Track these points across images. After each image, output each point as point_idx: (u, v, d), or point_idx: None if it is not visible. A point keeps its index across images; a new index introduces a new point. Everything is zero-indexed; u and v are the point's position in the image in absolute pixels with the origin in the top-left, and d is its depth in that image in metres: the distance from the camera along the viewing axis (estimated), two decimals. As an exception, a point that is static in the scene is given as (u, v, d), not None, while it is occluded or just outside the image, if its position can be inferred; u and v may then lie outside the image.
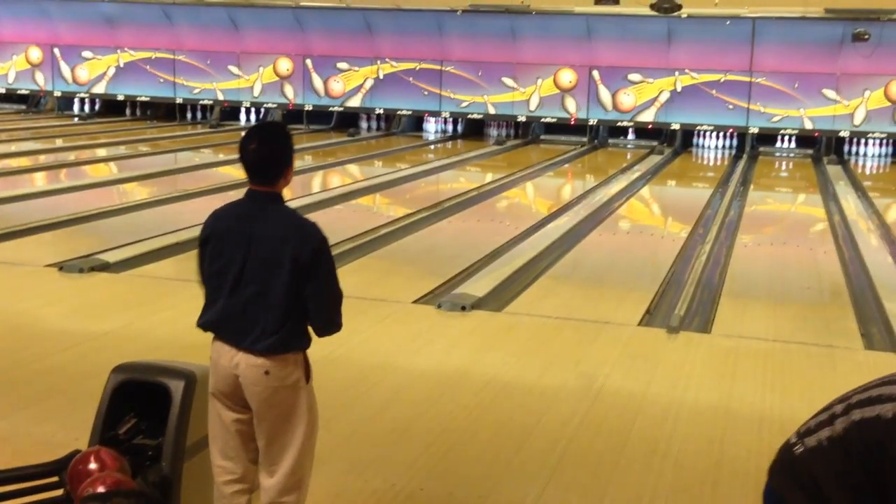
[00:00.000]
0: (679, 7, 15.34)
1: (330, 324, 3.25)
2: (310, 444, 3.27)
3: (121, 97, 21.97)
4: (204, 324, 3.30)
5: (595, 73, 18.90)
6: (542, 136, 20.03)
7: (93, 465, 2.98)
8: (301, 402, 3.21)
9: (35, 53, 22.29)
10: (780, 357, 6.21)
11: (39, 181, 13.31)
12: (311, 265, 3.13)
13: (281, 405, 3.19)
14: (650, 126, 19.00)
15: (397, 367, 5.80)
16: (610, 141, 19.65)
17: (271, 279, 3.14)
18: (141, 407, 3.49)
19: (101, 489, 2.76)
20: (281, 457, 3.23)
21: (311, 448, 3.30)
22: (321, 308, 3.20)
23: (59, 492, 3.13)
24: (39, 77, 22.38)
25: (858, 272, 8.79)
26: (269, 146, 3.22)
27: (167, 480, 3.35)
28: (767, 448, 4.74)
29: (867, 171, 17.35)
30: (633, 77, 18.73)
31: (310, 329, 3.25)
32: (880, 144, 18.20)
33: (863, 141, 18.23)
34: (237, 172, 15.02)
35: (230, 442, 3.30)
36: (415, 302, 7.27)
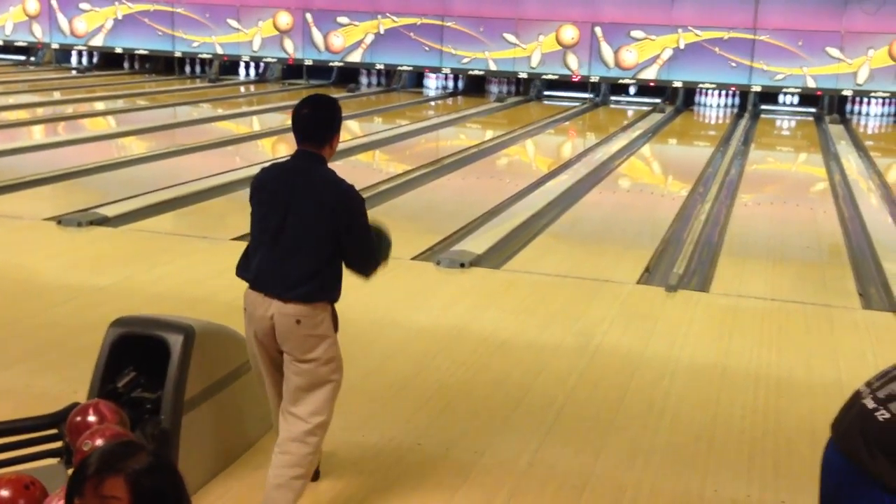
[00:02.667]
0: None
1: (367, 267, 3.48)
2: (332, 390, 3.47)
3: (119, 50, 21.77)
4: (243, 275, 3.48)
5: (598, 30, 18.72)
6: (545, 93, 19.90)
7: (91, 418, 3.00)
8: (327, 351, 3.41)
9: (32, 5, 22.05)
10: (778, 316, 6.22)
11: (37, 134, 13.24)
12: (348, 222, 3.35)
13: (307, 352, 3.38)
14: (652, 84, 18.87)
15: (395, 323, 5.81)
16: (611, 98, 19.53)
17: (310, 232, 3.34)
18: (140, 361, 3.51)
19: (99, 441, 2.77)
20: (304, 401, 3.42)
21: (333, 395, 3.49)
22: (358, 256, 3.43)
23: (58, 444, 3.15)
24: (37, 29, 22.17)
25: (858, 232, 8.79)
26: (320, 111, 3.48)
27: (166, 433, 3.38)
28: (763, 406, 4.78)
29: (869, 131, 17.26)
30: (636, 34, 18.56)
31: (338, 283, 3.43)
32: (883, 104, 18.08)
33: (865, 100, 18.11)
34: (236, 127, 14.99)
35: (275, 378, 3.52)
36: (413, 259, 7.27)
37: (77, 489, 1.93)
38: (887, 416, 2.19)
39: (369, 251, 3.45)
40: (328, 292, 3.41)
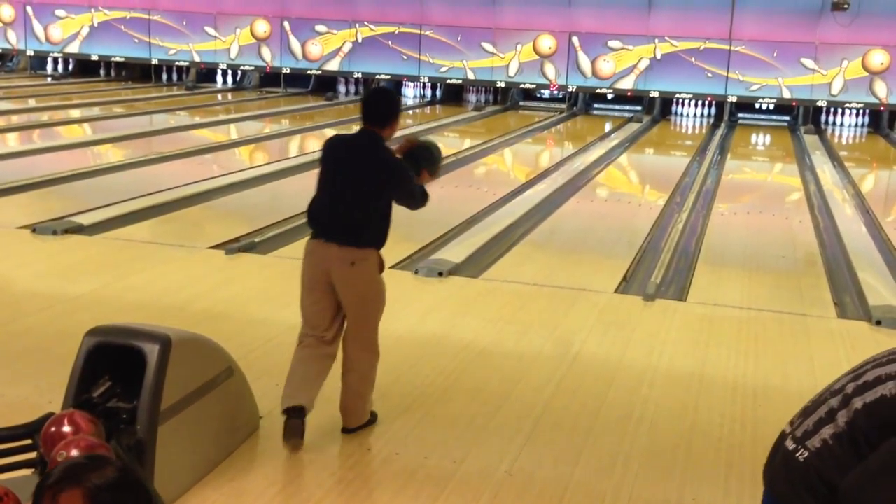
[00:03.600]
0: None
1: (415, 206, 4.46)
2: (378, 318, 4.34)
3: (95, 57, 21.65)
4: (310, 221, 4.31)
5: (575, 40, 18.82)
6: (521, 103, 19.97)
7: (66, 428, 2.96)
8: (375, 288, 4.29)
9: (7, 11, 21.90)
10: (754, 325, 6.25)
11: (12, 141, 13.12)
12: (397, 187, 4.29)
13: (360, 289, 4.22)
14: (629, 93, 18.97)
15: (374, 331, 5.79)
16: (594, 106, 19.61)
17: (365, 195, 4.20)
18: (115, 370, 3.47)
19: (74, 452, 2.74)
20: (359, 327, 4.27)
21: (376, 324, 4.33)
22: (407, 202, 4.42)
23: (33, 454, 3.11)
24: (11, 36, 22.00)
25: (833, 241, 8.86)
26: (384, 98, 4.51)
27: (141, 444, 3.35)
28: (740, 414, 4.80)
29: (844, 141, 17.44)
30: (613, 44, 18.67)
31: (386, 233, 4.31)
32: (857, 114, 18.28)
33: (840, 111, 18.31)
34: (213, 135, 14.93)
35: (315, 313, 4.24)
36: (392, 267, 7.20)
37: (37, 499, 1.90)
38: (806, 454, 2.17)
39: (414, 198, 4.40)
40: (377, 241, 4.26)
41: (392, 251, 7.63)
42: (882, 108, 17.84)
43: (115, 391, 3.44)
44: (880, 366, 2.16)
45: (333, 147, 4.42)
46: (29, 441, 3.13)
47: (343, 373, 4.32)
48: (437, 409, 4.70)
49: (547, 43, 19.00)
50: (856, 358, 5.82)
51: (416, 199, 4.43)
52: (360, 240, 4.20)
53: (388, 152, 4.31)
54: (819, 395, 2.29)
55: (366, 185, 4.22)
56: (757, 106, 18.81)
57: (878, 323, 6.30)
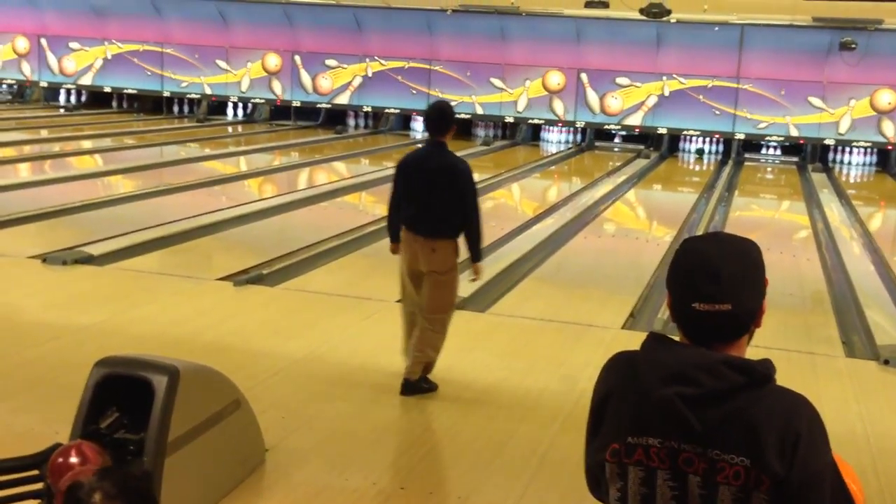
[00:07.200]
0: (668, 12, 15.39)
1: (473, 226, 5.28)
2: (452, 297, 5.40)
3: (108, 89, 21.86)
4: (402, 219, 5.31)
5: (583, 76, 18.94)
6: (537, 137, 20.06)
7: (74, 459, 2.97)
8: (450, 272, 5.28)
9: (22, 43, 22.16)
10: (762, 363, 6.22)
11: (24, 172, 13.23)
12: (462, 187, 5.25)
13: (439, 271, 5.22)
14: (637, 130, 19.06)
15: (380, 366, 5.79)
16: (597, 144, 19.70)
17: (438, 195, 5.20)
18: (123, 401, 3.48)
19: (81, 483, 2.74)
20: (433, 303, 5.28)
21: (452, 300, 5.43)
22: (469, 214, 5.26)
23: (39, 485, 3.12)
24: (26, 67, 22.25)
25: (840, 280, 8.84)
26: (439, 112, 5.40)
27: (148, 475, 3.35)
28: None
29: (851, 180, 17.45)
30: (622, 81, 18.78)
31: (458, 227, 5.25)
32: (865, 153, 18.32)
33: (847, 149, 18.35)
34: (223, 167, 15.03)
35: (408, 293, 5.39)
36: (399, 301, 7.26)
37: None
38: None
39: (476, 211, 5.28)
40: (452, 232, 5.24)
41: (396, 285, 7.68)
42: (890, 148, 17.88)
43: (123, 422, 3.44)
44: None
45: (408, 161, 5.50)
46: (36, 472, 3.13)
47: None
48: (442, 445, 4.69)
49: (555, 79, 19.13)
50: (864, 397, 5.80)
51: (477, 213, 5.38)
52: (437, 232, 5.33)
53: (455, 157, 5.43)
54: None
55: (440, 187, 5.33)
56: (764, 150, 18.88)
57: (886, 362, 6.28)
